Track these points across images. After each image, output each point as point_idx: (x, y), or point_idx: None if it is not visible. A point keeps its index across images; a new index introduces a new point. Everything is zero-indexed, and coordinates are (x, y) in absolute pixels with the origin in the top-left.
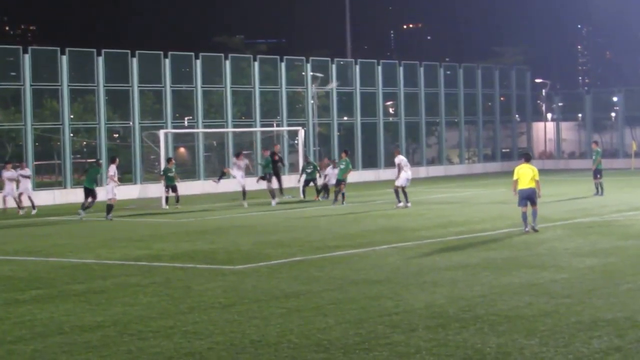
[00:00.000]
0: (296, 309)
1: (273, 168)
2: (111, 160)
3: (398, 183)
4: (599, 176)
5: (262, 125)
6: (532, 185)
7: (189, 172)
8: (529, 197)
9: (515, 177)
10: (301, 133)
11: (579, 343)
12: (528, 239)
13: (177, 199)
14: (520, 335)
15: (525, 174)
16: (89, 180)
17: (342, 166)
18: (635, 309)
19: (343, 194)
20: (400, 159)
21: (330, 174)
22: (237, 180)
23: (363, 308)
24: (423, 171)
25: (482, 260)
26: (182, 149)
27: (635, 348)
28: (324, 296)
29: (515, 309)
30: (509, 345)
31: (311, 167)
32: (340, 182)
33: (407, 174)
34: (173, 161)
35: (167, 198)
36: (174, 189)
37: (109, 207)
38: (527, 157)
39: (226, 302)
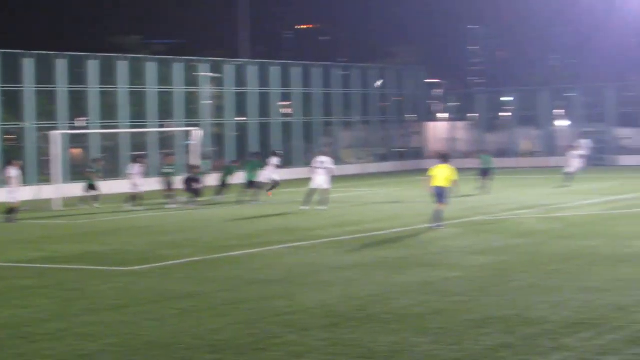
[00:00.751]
0: (190, 310)
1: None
2: (9, 162)
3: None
4: (487, 175)
5: (158, 126)
6: (445, 184)
7: (84, 174)
8: (438, 195)
9: (430, 174)
10: (196, 134)
11: (469, 340)
12: (422, 238)
13: (96, 197)
14: (412, 333)
15: (440, 173)
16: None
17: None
18: (524, 306)
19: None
20: (314, 160)
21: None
22: (136, 184)
23: (257, 308)
24: None
25: (376, 260)
26: (76, 150)
27: (524, 344)
28: (219, 297)
29: (407, 308)
30: (401, 343)
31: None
32: (253, 183)
33: (317, 177)
34: (101, 162)
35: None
36: (94, 188)
37: (11, 210)
38: (444, 158)
39: (120, 304)
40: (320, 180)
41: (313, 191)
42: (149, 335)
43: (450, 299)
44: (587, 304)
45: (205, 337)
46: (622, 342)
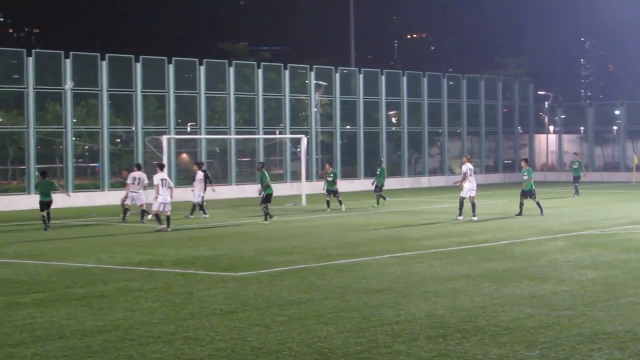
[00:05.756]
0: (297, 317)
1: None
2: (160, 167)
3: (461, 194)
4: (530, 197)
5: (265, 133)
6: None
7: (190, 179)
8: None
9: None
10: (304, 141)
11: (579, 356)
12: (529, 250)
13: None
14: (521, 346)
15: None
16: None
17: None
18: (636, 322)
19: (340, 201)
20: (467, 167)
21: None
22: (199, 192)
23: (364, 317)
24: (425, 181)
25: (483, 271)
26: (184, 155)
27: None
28: (325, 304)
29: (516, 321)
30: (509, 356)
31: (332, 175)
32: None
33: (471, 184)
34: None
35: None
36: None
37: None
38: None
39: (227, 309)
40: (468, 187)
41: (465, 200)
42: (257, 341)
43: (559, 313)
44: None
45: (313, 344)
46: None
